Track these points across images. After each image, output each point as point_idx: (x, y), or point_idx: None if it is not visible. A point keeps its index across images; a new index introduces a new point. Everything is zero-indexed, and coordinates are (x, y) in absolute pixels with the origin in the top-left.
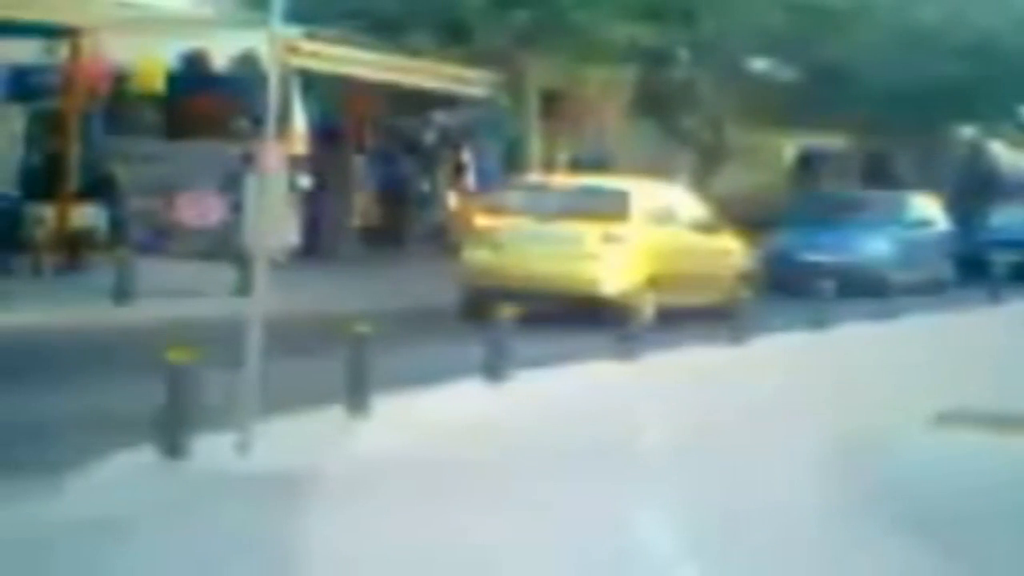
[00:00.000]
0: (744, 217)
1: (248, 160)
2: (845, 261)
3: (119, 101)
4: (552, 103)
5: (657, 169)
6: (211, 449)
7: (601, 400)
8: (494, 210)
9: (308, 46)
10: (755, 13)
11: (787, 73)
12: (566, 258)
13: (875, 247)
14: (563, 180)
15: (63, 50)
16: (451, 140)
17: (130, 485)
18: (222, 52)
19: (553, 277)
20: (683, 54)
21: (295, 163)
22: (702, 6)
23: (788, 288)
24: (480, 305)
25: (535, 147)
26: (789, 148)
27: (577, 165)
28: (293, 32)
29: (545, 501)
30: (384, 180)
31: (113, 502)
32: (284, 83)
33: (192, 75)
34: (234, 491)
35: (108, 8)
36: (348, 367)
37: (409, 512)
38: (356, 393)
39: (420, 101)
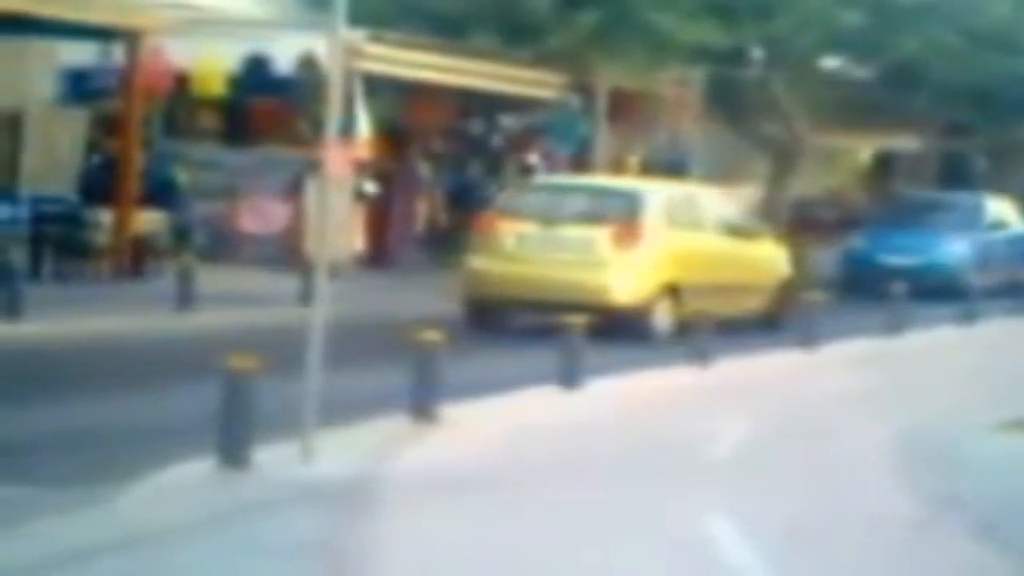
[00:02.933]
0: (820, 219)
1: (312, 166)
2: (923, 264)
3: (179, 104)
4: (622, 104)
5: (731, 171)
6: (273, 458)
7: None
8: (502, 214)
9: (372, 49)
10: (828, 11)
11: (861, 72)
12: (574, 265)
13: (953, 250)
14: (574, 181)
15: (121, 52)
16: (518, 143)
17: (189, 494)
18: (284, 54)
19: (561, 286)
20: (756, 53)
21: (360, 168)
22: (775, 4)
23: (865, 291)
24: (485, 316)
25: (605, 150)
26: (865, 149)
27: (649, 168)
28: (357, 34)
29: (614, 504)
30: (450, 185)
31: (172, 512)
32: (348, 86)
33: (254, 78)
34: (295, 500)
35: (167, 10)
36: (414, 374)
37: (477, 521)
38: (422, 400)
39: (487, 104)
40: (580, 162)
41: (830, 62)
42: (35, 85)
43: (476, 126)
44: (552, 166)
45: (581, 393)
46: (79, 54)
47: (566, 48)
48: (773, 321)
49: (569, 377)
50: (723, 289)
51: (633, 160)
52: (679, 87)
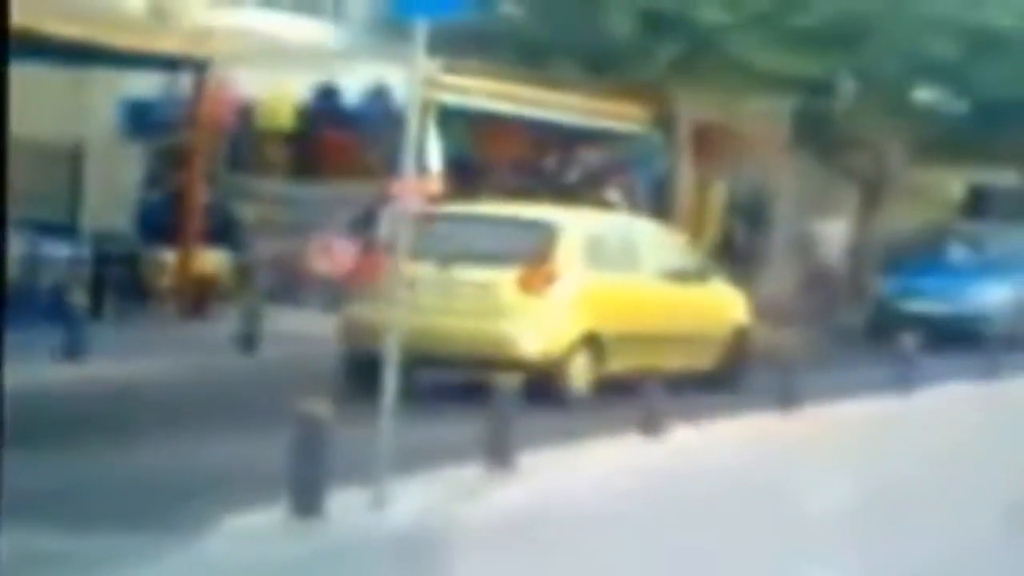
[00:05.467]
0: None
1: (382, 201)
2: (951, 312)
3: (245, 137)
4: (705, 137)
5: (818, 205)
6: (346, 506)
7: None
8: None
9: (447, 79)
10: (921, 40)
11: (956, 104)
12: (473, 314)
13: (989, 295)
14: (477, 211)
15: (187, 84)
16: (596, 178)
17: (262, 543)
18: (354, 85)
19: (458, 338)
20: (846, 85)
21: (432, 203)
22: (865, 34)
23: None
24: (366, 373)
25: (687, 185)
26: (957, 183)
27: (733, 203)
28: (431, 64)
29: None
30: None
31: (240, 564)
32: (421, 118)
33: (322, 109)
34: (364, 551)
35: (234, 40)
36: (488, 420)
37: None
38: (497, 447)
39: (564, 137)
40: (660, 198)
41: (923, 95)
42: (97, 117)
43: (551, 160)
44: (631, 201)
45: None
46: (143, 85)
47: (648, 79)
48: (722, 378)
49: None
50: (659, 341)
51: (717, 194)
52: (764, 119)
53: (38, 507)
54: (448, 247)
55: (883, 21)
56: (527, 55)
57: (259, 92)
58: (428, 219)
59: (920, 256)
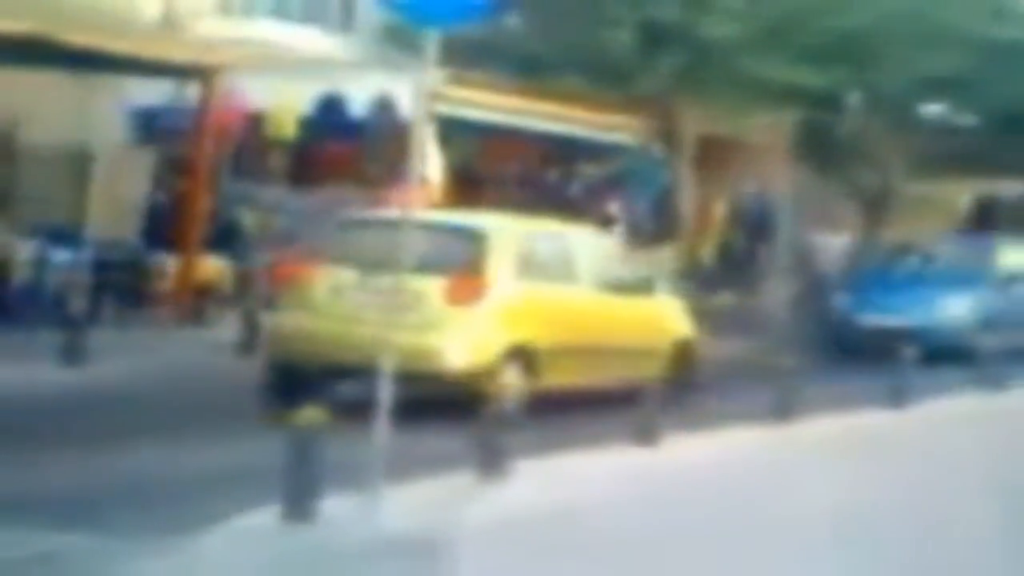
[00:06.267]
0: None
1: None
2: (911, 325)
3: (250, 146)
4: (708, 151)
5: (822, 219)
6: (337, 512)
7: None
8: (317, 258)
9: (451, 91)
10: (929, 55)
11: (964, 118)
12: (396, 324)
13: (950, 308)
14: (406, 217)
15: (195, 92)
16: (597, 192)
17: (247, 549)
18: (360, 96)
19: (380, 349)
20: (852, 99)
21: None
22: (872, 48)
23: (846, 356)
24: (291, 383)
25: (689, 198)
26: (965, 196)
27: (736, 216)
28: (436, 75)
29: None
30: None
31: (233, 564)
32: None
33: (327, 119)
34: (352, 556)
35: (243, 49)
36: (479, 429)
37: None
38: (489, 456)
39: (566, 150)
40: (663, 211)
41: (930, 108)
42: (104, 125)
43: (554, 174)
44: (632, 215)
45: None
46: (151, 93)
47: (652, 92)
48: (661, 394)
49: (647, 433)
50: (597, 354)
51: (719, 208)
52: (768, 132)
53: (29, 507)
54: (372, 254)
55: (891, 36)
56: (531, 68)
57: (266, 101)
58: (350, 224)
59: (879, 268)
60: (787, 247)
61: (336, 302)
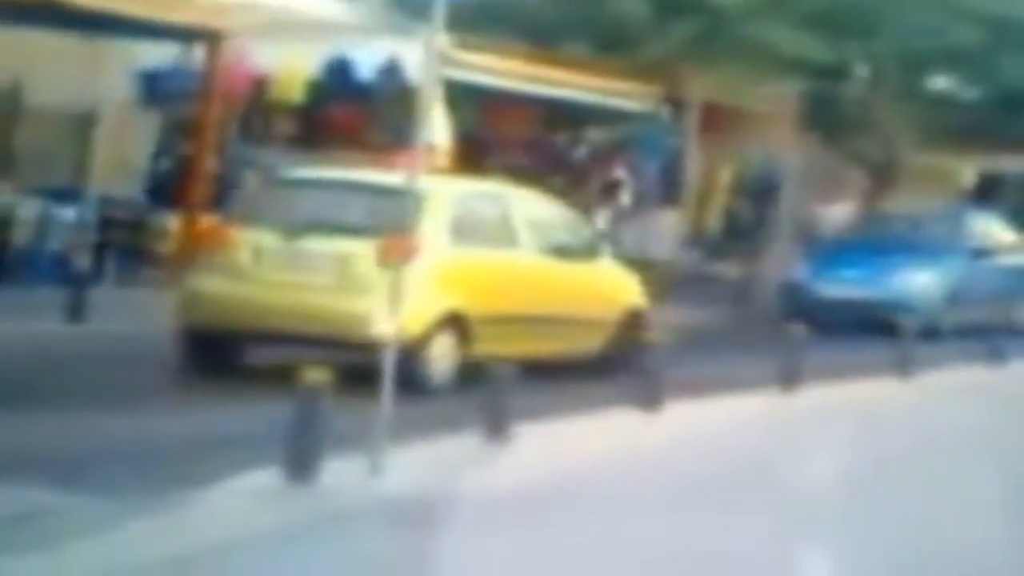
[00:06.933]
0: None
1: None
2: (872, 297)
3: (257, 109)
4: (715, 118)
5: (826, 189)
6: (341, 472)
7: None
8: (238, 220)
9: (459, 56)
10: (938, 27)
11: (970, 92)
12: (324, 288)
13: (914, 280)
14: (332, 176)
15: (201, 55)
16: (603, 157)
17: (253, 508)
18: (367, 60)
19: (306, 313)
20: (859, 69)
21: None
22: (880, 18)
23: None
24: (207, 350)
25: (695, 165)
26: (969, 170)
27: (741, 184)
28: (443, 40)
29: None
30: None
31: (234, 526)
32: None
33: (334, 83)
34: (359, 514)
35: (249, 12)
36: (486, 395)
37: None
38: (495, 420)
39: (573, 116)
40: (669, 177)
41: (938, 81)
42: (110, 86)
43: (560, 139)
44: (639, 181)
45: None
46: (157, 56)
47: (660, 58)
48: (609, 365)
49: (649, 400)
50: (536, 323)
51: (724, 175)
52: (775, 101)
53: (27, 464)
54: (298, 215)
55: (899, 6)
56: (538, 33)
57: (273, 65)
58: (277, 184)
59: (843, 239)
60: (791, 215)
61: (258, 266)
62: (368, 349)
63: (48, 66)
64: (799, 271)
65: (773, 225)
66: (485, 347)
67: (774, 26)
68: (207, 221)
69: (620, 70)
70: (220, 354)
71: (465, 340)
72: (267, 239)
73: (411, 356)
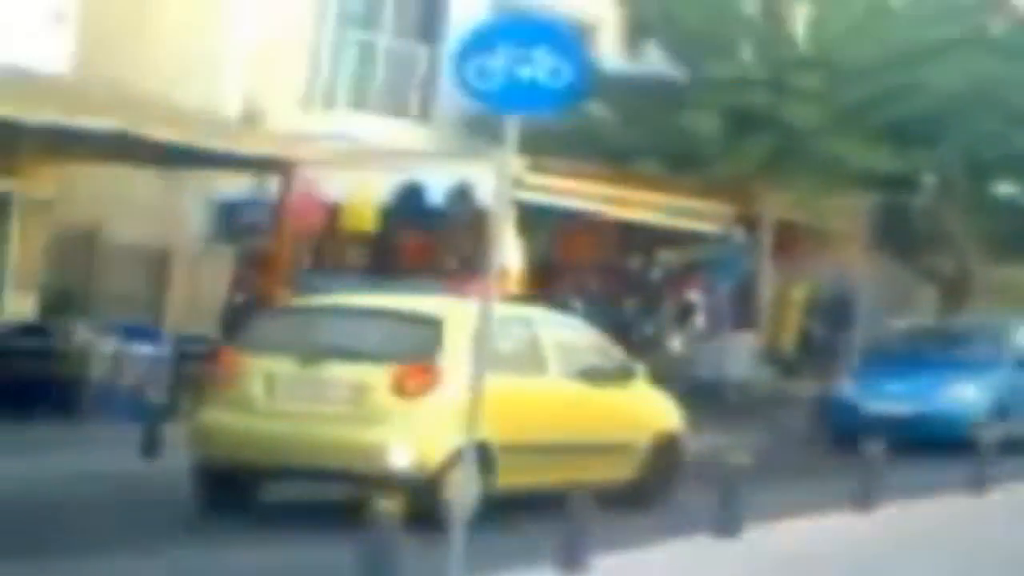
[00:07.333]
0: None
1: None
2: (919, 413)
3: (329, 238)
4: (787, 236)
5: (899, 304)
6: None
7: None
8: (249, 348)
9: (532, 178)
10: (1001, 135)
11: None
12: (339, 419)
13: (961, 394)
14: (349, 302)
15: (274, 185)
16: (678, 279)
17: None
18: (438, 184)
19: (323, 446)
20: (927, 180)
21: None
22: (945, 127)
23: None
24: (223, 487)
25: (768, 284)
26: None
27: (815, 302)
28: (516, 163)
29: None
30: (604, 323)
31: None
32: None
33: (405, 209)
34: None
35: (323, 142)
36: (561, 524)
37: None
38: (570, 550)
39: (646, 237)
40: (743, 297)
41: (1007, 188)
42: (187, 219)
43: (634, 261)
44: (713, 303)
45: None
46: (233, 186)
47: (732, 176)
48: (644, 494)
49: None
50: (564, 451)
51: (798, 294)
52: (846, 217)
53: None
54: (312, 343)
55: (965, 115)
56: (610, 153)
57: (345, 193)
58: (290, 311)
59: (887, 352)
60: (865, 332)
61: (271, 397)
62: (387, 483)
63: (126, 200)
64: (844, 388)
65: (847, 342)
66: (510, 478)
67: (844, 140)
68: None
69: (692, 189)
70: (234, 491)
71: (488, 470)
72: (280, 367)
73: (431, 490)
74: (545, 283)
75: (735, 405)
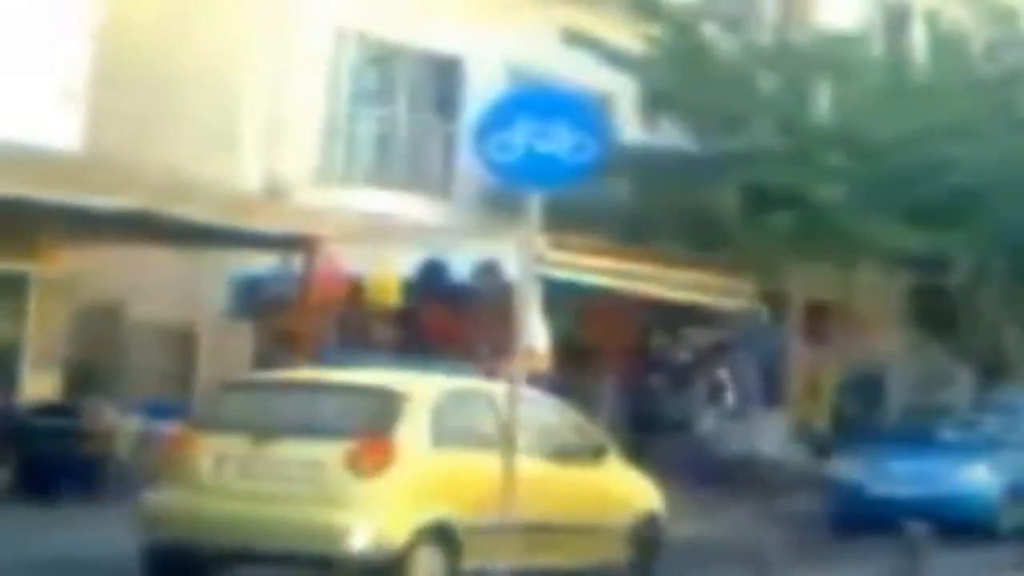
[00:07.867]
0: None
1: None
2: (931, 495)
3: (352, 314)
4: (817, 315)
5: (934, 383)
6: None
7: None
8: (199, 426)
9: (555, 256)
10: None
11: None
12: (293, 499)
13: (974, 475)
14: (302, 377)
15: (298, 262)
16: (705, 358)
17: None
18: (462, 261)
19: (275, 528)
20: (962, 259)
21: (535, 383)
22: (979, 208)
23: (859, 532)
24: (172, 570)
25: (799, 364)
26: None
27: (847, 381)
28: (539, 239)
29: None
30: (632, 404)
31: None
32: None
33: (429, 285)
34: None
35: (345, 218)
36: None
37: None
38: None
39: (672, 315)
40: (773, 376)
41: None
42: (208, 296)
43: (659, 340)
44: (742, 382)
45: None
46: (255, 261)
47: (758, 253)
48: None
49: None
50: (533, 532)
51: (830, 372)
52: (877, 295)
53: None
54: (265, 419)
55: (1000, 195)
56: (634, 231)
57: (368, 269)
58: (242, 386)
59: (895, 433)
60: (900, 411)
61: (220, 477)
62: (343, 567)
63: (148, 279)
64: (850, 469)
65: (879, 421)
66: (476, 559)
67: (872, 218)
68: None
69: (717, 267)
70: (185, 574)
71: (452, 552)
72: (231, 445)
73: (393, 571)
74: (571, 362)
75: (768, 482)
